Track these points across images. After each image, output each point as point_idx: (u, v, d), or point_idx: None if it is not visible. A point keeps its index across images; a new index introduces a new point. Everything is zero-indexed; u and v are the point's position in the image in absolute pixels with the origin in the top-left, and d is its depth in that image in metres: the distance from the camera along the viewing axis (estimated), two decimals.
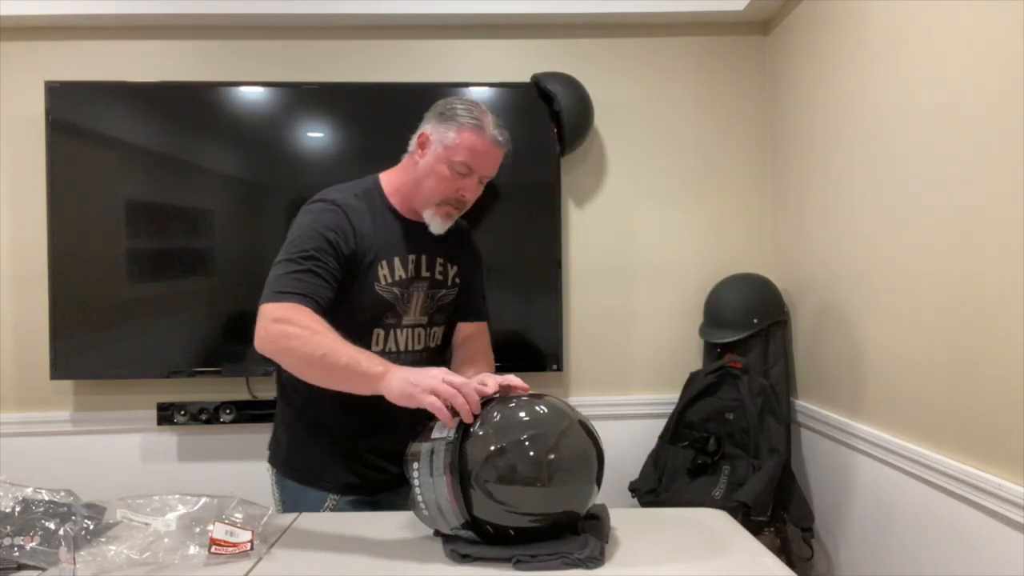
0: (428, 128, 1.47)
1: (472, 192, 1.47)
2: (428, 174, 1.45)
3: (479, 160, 1.44)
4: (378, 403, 1.58)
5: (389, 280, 1.45)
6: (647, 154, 2.43)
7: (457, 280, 1.58)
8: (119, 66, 2.33)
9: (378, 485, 1.53)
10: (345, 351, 1.25)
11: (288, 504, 1.53)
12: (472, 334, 1.63)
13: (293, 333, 1.27)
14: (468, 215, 1.56)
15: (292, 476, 1.52)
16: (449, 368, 1.57)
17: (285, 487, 1.53)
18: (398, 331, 1.49)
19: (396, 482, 1.58)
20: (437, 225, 1.47)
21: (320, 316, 1.31)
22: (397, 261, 1.46)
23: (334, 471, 1.50)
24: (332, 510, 1.49)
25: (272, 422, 1.60)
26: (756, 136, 2.44)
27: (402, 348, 1.50)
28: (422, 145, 1.47)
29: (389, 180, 1.53)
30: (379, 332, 1.47)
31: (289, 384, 1.50)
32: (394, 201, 1.51)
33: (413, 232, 1.49)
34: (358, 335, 1.42)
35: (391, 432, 1.60)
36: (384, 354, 1.45)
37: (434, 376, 1.19)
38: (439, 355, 1.61)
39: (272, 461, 1.56)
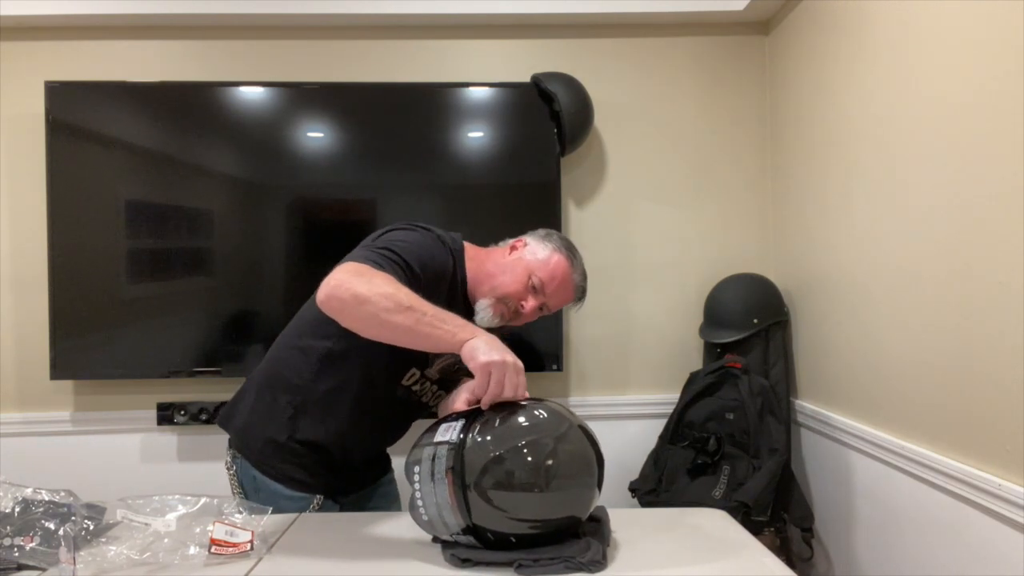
0: (527, 239, 1.54)
1: (530, 312, 1.48)
2: (507, 271, 1.48)
3: (555, 286, 1.49)
4: (382, 441, 1.59)
5: None
6: (647, 154, 2.43)
7: None
8: (119, 66, 2.34)
9: (349, 488, 1.54)
10: (431, 305, 1.23)
11: (259, 498, 1.46)
12: None
13: (379, 282, 1.21)
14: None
15: (269, 474, 1.47)
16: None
17: (256, 480, 1.47)
18: (426, 382, 1.50)
19: (364, 483, 1.60)
20: (485, 318, 1.47)
21: None
22: None
23: (315, 476, 1.47)
24: (319, 508, 1.47)
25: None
26: (756, 136, 2.44)
27: (419, 393, 1.50)
28: (514, 248, 1.53)
29: (470, 256, 1.52)
30: (415, 372, 1.46)
31: (291, 385, 1.47)
32: (469, 273, 1.50)
33: (465, 312, 1.48)
34: (398, 363, 1.43)
35: (378, 445, 1.61)
36: (407, 390, 1.48)
37: (503, 358, 1.18)
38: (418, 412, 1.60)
39: (241, 450, 1.50)
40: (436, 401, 1.56)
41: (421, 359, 1.44)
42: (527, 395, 1.22)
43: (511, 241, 1.56)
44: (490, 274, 1.49)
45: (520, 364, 1.20)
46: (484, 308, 1.47)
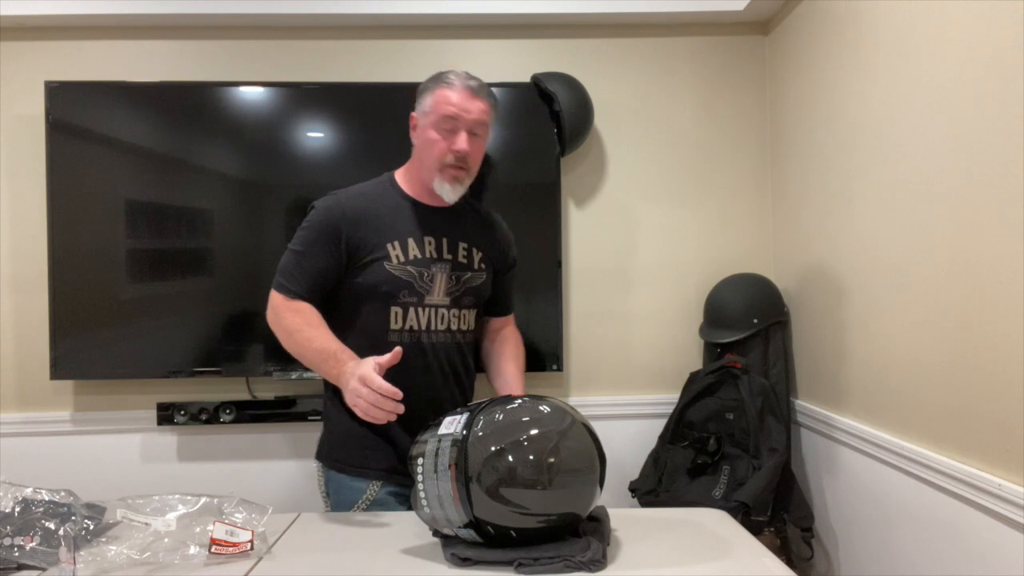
0: (414, 111, 1.59)
1: (465, 144, 1.51)
2: (423, 146, 1.55)
3: (455, 111, 1.51)
4: (423, 391, 1.61)
5: (402, 259, 1.51)
6: (647, 154, 2.43)
7: (483, 265, 1.63)
8: (119, 66, 2.34)
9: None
10: (312, 355, 1.43)
11: (333, 497, 1.56)
12: (504, 325, 1.77)
13: (281, 325, 1.49)
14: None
15: (335, 467, 1.55)
16: (481, 361, 1.70)
17: (330, 479, 1.57)
18: (419, 310, 1.53)
19: None
20: (448, 192, 1.54)
21: (311, 306, 1.47)
22: (411, 242, 1.52)
23: (377, 456, 1.52)
24: (373, 500, 1.51)
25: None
26: (756, 136, 2.44)
27: (423, 327, 1.53)
28: (413, 127, 1.59)
29: (402, 173, 1.63)
30: (397, 310, 1.51)
31: None
32: (408, 190, 1.59)
33: (432, 217, 1.57)
34: (375, 313, 1.51)
35: (420, 409, 1.62)
36: (406, 332, 1.51)
37: (351, 391, 1.31)
38: (469, 338, 1.64)
39: (318, 456, 1.61)
40: (464, 326, 1.60)
41: (391, 295, 1.50)
42: (390, 396, 1.28)
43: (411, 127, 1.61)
44: (419, 162, 1.57)
45: (362, 378, 1.29)
46: (440, 185, 1.54)
